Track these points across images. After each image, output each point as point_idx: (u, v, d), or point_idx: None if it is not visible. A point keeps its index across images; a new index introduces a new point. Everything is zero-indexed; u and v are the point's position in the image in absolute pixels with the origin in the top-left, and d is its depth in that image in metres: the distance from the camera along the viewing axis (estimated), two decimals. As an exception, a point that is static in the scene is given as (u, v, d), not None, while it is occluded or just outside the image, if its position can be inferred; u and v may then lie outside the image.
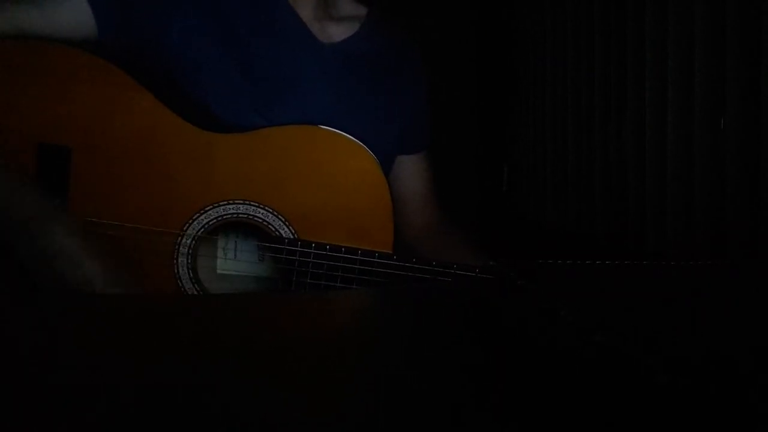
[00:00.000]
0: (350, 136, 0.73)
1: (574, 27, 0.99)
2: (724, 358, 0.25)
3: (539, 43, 1.12)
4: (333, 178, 0.73)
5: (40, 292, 0.63)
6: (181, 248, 0.70)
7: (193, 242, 0.71)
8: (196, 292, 0.71)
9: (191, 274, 0.71)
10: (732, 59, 0.65)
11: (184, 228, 0.70)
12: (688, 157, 0.71)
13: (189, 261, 0.71)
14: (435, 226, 0.92)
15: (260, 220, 0.71)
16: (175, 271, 0.71)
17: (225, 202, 0.71)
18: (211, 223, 0.71)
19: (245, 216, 0.71)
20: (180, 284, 0.71)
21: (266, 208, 0.71)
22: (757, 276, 0.46)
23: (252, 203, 0.71)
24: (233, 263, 0.77)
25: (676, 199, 0.74)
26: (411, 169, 0.91)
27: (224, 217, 0.71)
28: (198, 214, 0.71)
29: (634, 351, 0.24)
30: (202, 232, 0.71)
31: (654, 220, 0.78)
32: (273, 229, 0.71)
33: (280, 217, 0.71)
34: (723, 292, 0.38)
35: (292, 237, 0.71)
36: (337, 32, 0.85)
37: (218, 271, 0.77)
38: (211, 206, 0.71)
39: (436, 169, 0.94)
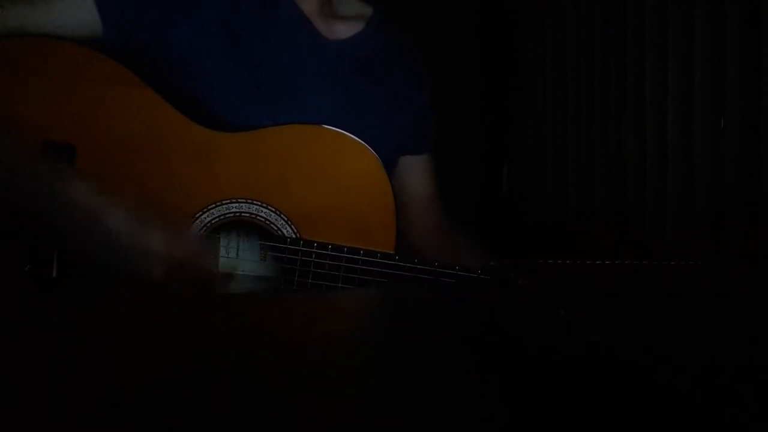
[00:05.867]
0: (353, 136, 0.73)
1: (574, 28, 0.99)
2: (722, 358, 0.25)
3: (540, 44, 1.12)
4: (336, 178, 0.73)
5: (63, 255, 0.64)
6: (183, 247, 0.71)
7: (196, 241, 0.71)
8: (198, 291, 0.71)
9: (194, 273, 0.71)
10: (732, 59, 0.65)
11: (187, 227, 0.71)
12: (688, 156, 0.72)
13: (191, 260, 0.71)
14: (439, 227, 0.91)
15: (263, 220, 0.72)
16: (178, 269, 0.71)
17: (228, 201, 0.71)
18: (213, 221, 0.71)
19: (248, 215, 0.71)
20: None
21: (269, 207, 0.71)
22: (757, 276, 0.46)
23: (255, 202, 0.71)
24: (235, 262, 0.78)
25: (676, 199, 0.74)
26: (414, 170, 0.91)
27: (227, 215, 0.71)
28: (201, 213, 0.71)
29: (632, 351, 0.24)
30: (205, 231, 0.71)
31: (654, 219, 0.78)
32: (275, 228, 0.72)
33: (282, 216, 0.72)
34: (723, 292, 0.38)
35: (294, 236, 0.72)
36: (342, 30, 0.85)
37: (219, 270, 0.77)
38: (214, 205, 0.71)
39: (438, 169, 0.94)
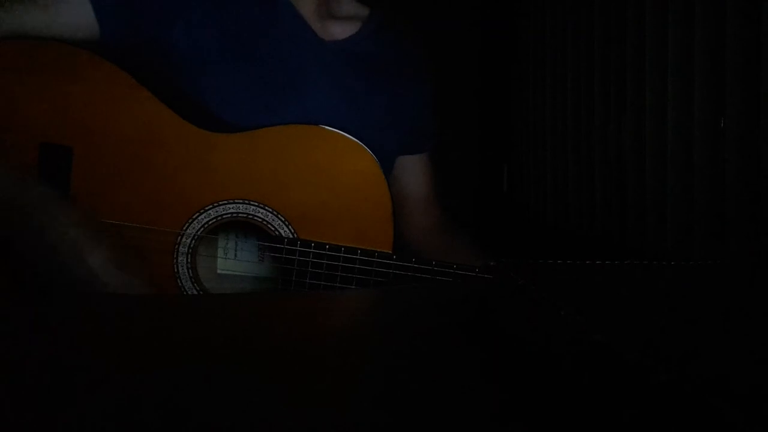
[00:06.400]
0: (350, 136, 0.73)
1: (574, 28, 0.99)
2: (722, 358, 0.25)
3: (540, 44, 1.12)
4: (333, 178, 0.73)
5: (41, 287, 0.64)
6: (181, 248, 0.71)
7: (193, 242, 0.71)
8: (195, 292, 0.71)
9: (191, 274, 0.71)
10: (732, 59, 0.65)
11: (184, 227, 0.70)
12: (688, 156, 0.71)
13: (189, 260, 0.71)
14: (437, 227, 0.92)
15: (260, 220, 0.71)
16: (175, 270, 0.71)
17: (225, 202, 0.71)
18: (211, 222, 0.71)
19: (245, 215, 0.71)
20: (180, 284, 0.71)
21: (266, 207, 0.71)
22: (757, 276, 0.46)
23: (252, 203, 0.71)
24: (233, 263, 0.78)
25: (676, 199, 0.74)
26: (412, 170, 0.91)
27: (224, 216, 0.71)
28: (198, 214, 0.71)
29: (634, 351, 0.24)
30: (202, 232, 0.71)
31: (654, 220, 0.78)
32: (273, 228, 0.71)
33: (279, 216, 0.71)
34: (723, 292, 0.38)
35: (291, 236, 0.71)
36: (339, 31, 0.85)
37: (218, 271, 0.77)
38: (211, 206, 0.71)
39: (437, 169, 0.94)
